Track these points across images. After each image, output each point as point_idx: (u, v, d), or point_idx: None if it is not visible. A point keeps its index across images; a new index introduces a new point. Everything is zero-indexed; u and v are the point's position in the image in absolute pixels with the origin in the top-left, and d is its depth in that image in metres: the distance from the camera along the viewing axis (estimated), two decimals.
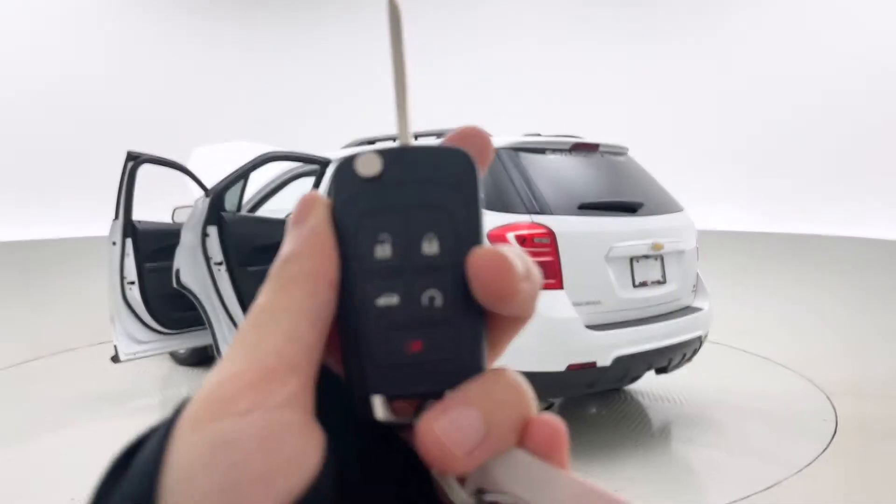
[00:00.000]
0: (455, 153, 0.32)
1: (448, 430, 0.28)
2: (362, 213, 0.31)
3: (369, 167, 0.31)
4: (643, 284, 3.89)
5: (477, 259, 0.29)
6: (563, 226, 3.62)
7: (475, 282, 0.29)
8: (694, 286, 4.36)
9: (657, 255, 4.01)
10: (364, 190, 0.31)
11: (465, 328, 0.30)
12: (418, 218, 0.31)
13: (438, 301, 0.30)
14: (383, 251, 0.30)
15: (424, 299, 0.30)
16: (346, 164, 0.31)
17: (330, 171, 4.81)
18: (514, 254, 0.30)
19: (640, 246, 3.89)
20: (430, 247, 0.30)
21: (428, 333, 0.30)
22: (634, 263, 3.87)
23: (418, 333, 0.30)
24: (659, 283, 4.00)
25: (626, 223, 3.93)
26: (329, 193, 0.32)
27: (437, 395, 0.30)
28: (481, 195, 0.31)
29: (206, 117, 12.61)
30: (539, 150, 4.03)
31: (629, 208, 4.02)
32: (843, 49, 10.75)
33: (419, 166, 0.31)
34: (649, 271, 3.95)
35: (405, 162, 0.31)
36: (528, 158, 3.93)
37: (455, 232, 0.31)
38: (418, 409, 0.30)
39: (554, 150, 4.10)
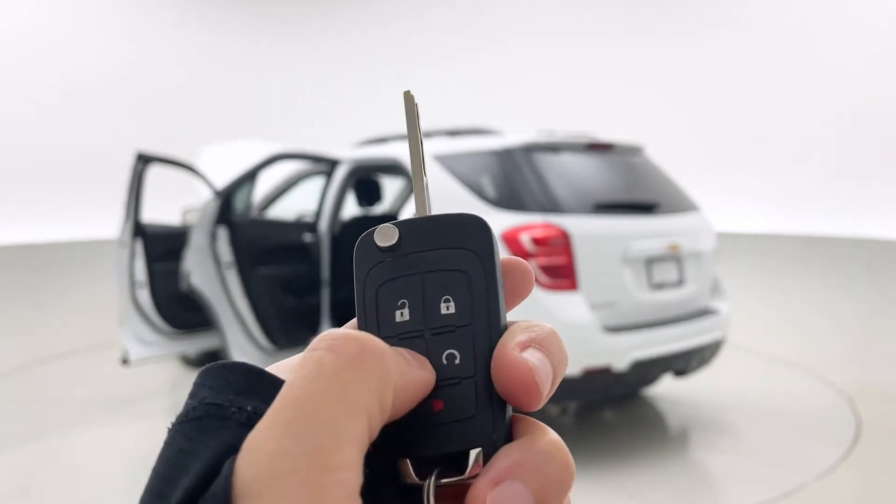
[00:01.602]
0: (468, 218, 0.33)
1: (498, 502, 0.29)
2: (382, 282, 0.32)
3: (387, 238, 0.33)
4: (660, 286, 3.81)
5: (505, 371, 0.31)
6: (578, 226, 3.55)
7: (500, 388, 0.31)
8: (712, 288, 4.28)
9: (674, 257, 3.93)
10: (383, 260, 0.33)
11: (486, 388, 0.31)
12: (434, 282, 0.32)
13: (458, 360, 0.31)
14: (402, 316, 0.32)
15: (444, 359, 0.31)
16: (367, 237, 0.33)
17: (340, 171, 4.77)
18: (544, 365, 0.31)
19: (657, 247, 3.81)
20: (448, 308, 0.32)
21: (449, 392, 0.31)
22: (651, 265, 3.79)
23: (439, 393, 0.31)
24: (676, 284, 3.93)
25: (641, 223, 3.85)
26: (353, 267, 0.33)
27: (462, 457, 0.30)
28: (498, 255, 0.33)
29: (215, 116, 12.62)
30: (553, 149, 3.96)
31: (645, 208, 3.95)
32: (865, 47, 10.63)
33: (434, 233, 0.33)
34: (666, 273, 3.88)
35: (421, 230, 0.33)
36: (542, 158, 3.86)
37: (471, 293, 0.32)
38: (438, 474, 0.30)
39: (568, 150, 4.03)
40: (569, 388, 3.44)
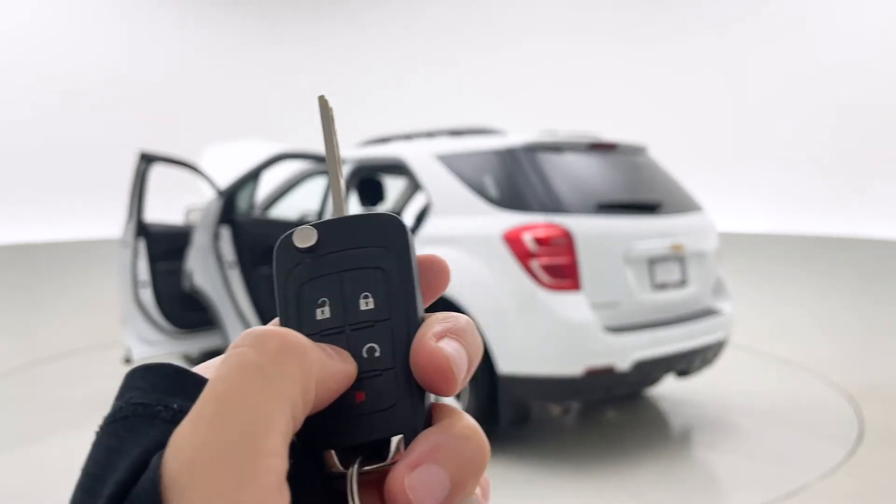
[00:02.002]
0: (385, 218, 0.35)
1: (415, 486, 0.30)
2: (302, 282, 0.34)
3: (305, 239, 0.34)
4: (663, 286, 3.81)
5: (422, 360, 0.32)
6: (581, 225, 3.55)
7: (418, 377, 0.32)
8: (714, 288, 4.28)
9: (677, 257, 3.93)
10: (302, 260, 0.34)
11: (405, 377, 0.32)
12: (353, 279, 0.34)
13: (377, 353, 0.32)
14: (323, 313, 0.33)
15: (365, 352, 0.32)
16: (286, 239, 0.34)
17: (343, 172, 4.77)
18: (459, 353, 0.32)
19: (660, 247, 3.81)
20: (367, 304, 0.33)
21: (370, 384, 0.32)
22: (654, 265, 3.79)
23: (361, 385, 0.32)
24: (679, 285, 3.92)
25: (644, 223, 3.85)
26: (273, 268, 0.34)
27: (384, 444, 0.32)
28: (413, 252, 0.34)
29: (216, 116, 12.64)
30: (556, 149, 3.96)
31: (648, 207, 3.95)
32: (864, 44, 10.61)
33: (351, 233, 0.34)
34: (669, 273, 3.87)
35: (339, 231, 0.34)
36: (544, 157, 3.86)
37: (388, 289, 0.33)
38: (362, 462, 0.32)
39: (571, 149, 4.02)
40: (571, 388, 3.44)
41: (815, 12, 11.09)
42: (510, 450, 3.84)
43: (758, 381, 5.25)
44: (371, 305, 0.33)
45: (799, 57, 11.11)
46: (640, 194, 4.02)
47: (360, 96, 13.05)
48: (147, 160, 4.53)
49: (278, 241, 0.34)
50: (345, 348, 0.32)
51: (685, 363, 3.81)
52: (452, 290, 3.71)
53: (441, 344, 0.32)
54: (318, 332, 0.33)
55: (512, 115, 9.60)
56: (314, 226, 0.34)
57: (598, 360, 3.40)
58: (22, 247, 10.43)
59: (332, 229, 0.34)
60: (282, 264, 0.34)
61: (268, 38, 13.59)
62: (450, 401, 3.41)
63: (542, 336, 3.40)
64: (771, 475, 3.48)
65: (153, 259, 4.68)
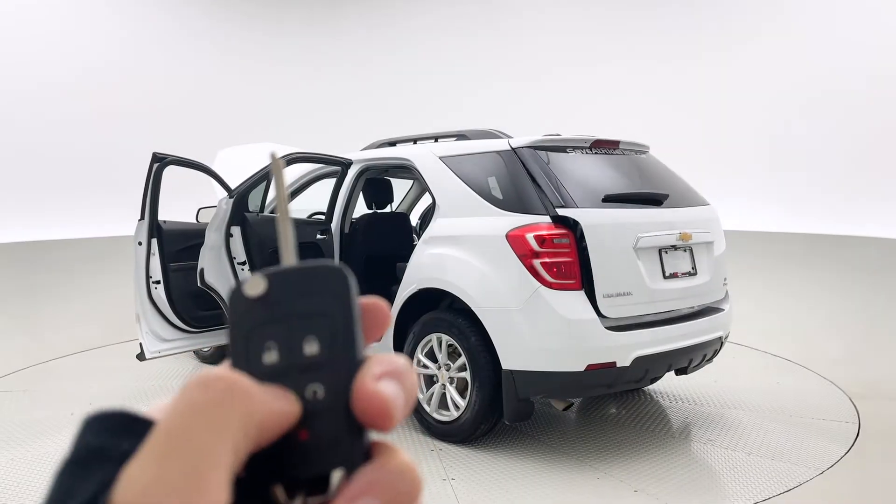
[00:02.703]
0: (329, 269, 0.37)
1: None
2: (251, 328, 0.36)
3: (255, 288, 0.36)
4: (674, 276, 3.87)
5: (362, 401, 0.34)
6: (589, 217, 3.59)
7: (358, 415, 0.35)
8: (725, 280, 4.33)
9: (686, 247, 3.99)
10: (252, 308, 0.36)
11: (345, 416, 0.35)
12: (298, 325, 0.36)
13: (320, 394, 0.35)
14: (270, 357, 0.35)
15: (308, 393, 0.35)
16: (237, 289, 0.37)
17: (351, 172, 4.87)
18: (397, 393, 0.35)
19: (668, 237, 3.86)
20: (311, 348, 0.35)
21: (313, 422, 0.35)
22: (663, 254, 3.85)
23: (305, 423, 0.35)
24: (690, 274, 3.99)
25: (651, 215, 3.89)
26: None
27: (326, 479, 0.34)
28: (355, 299, 0.37)
29: (227, 120, 12.75)
30: (559, 148, 4.03)
31: (654, 200, 4.00)
32: (868, 43, 10.61)
33: (299, 282, 0.36)
34: (679, 262, 3.94)
35: (287, 280, 0.36)
36: (547, 157, 3.94)
37: (332, 333, 0.36)
38: (305, 495, 0.34)
39: (574, 149, 4.09)
40: (572, 384, 3.51)
41: (825, 12, 11.09)
42: (513, 444, 3.92)
43: (756, 379, 5.29)
44: (315, 349, 0.35)
45: (808, 59, 11.13)
46: (646, 188, 4.08)
47: (369, 99, 13.13)
48: (160, 161, 4.63)
49: (232, 289, 0.37)
50: (290, 389, 0.35)
51: (685, 360, 3.87)
52: (459, 290, 3.80)
53: (380, 385, 0.35)
54: (265, 375, 0.35)
55: (519, 121, 9.64)
56: (265, 276, 0.36)
57: (600, 357, 3.47)
58: (48, 244, 10.57)
59: (281, 278, 0.36)
60: (233, 311, 0.36)
61: (280, 43, 13.68)
62: (455, 395, 3.46)
63: (545, 333, 3.48)
64: (770, 471, 3.53)
65: (166, 258, 4.78)
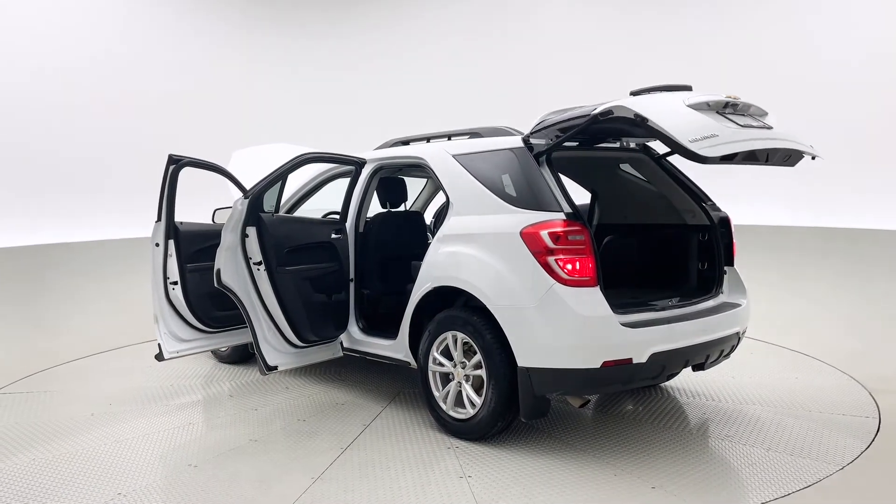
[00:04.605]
0: None
1: None
2: None
3: None
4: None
5: None
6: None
7: None
8: (732, 281, 4.34)
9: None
10: None
11: None
12: None
13: None
14: None
15: None
16: None
17: (365, 172, 4.88)
18: None
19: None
20: None
21: None
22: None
23: None
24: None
25: None
26: None
27: None
28: None
29: (242, 121, 12.81)
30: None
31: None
32: (879, 33, 10.48)
33: None
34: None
35: None
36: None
37: None
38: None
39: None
40: (588, 381, 3.49)
41: (849, 7, 10.97)
42: (529, 441, 3.92)
43: (775, 374, 5.26)
44: None
45: (817, 44, 11.02)
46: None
47: (382, 98, 13.14)
48: (176, 163, 4.68)
49: None
50: None
51: (702, 356, 3.85)
52: (473, 288, 3.80)
53: None
54: None
55: (526, 118, 9.63)
56: None
57: (616, 354, 3.45)
58: (66, 246, 10.68)
59: None
60: None
61: (296, 45, 13.72)
62: (471, 392, 3.48)
63: (561, 330, 3.47)
64: (790, 467, 3.51)
65: (183, 259, 4.83)
